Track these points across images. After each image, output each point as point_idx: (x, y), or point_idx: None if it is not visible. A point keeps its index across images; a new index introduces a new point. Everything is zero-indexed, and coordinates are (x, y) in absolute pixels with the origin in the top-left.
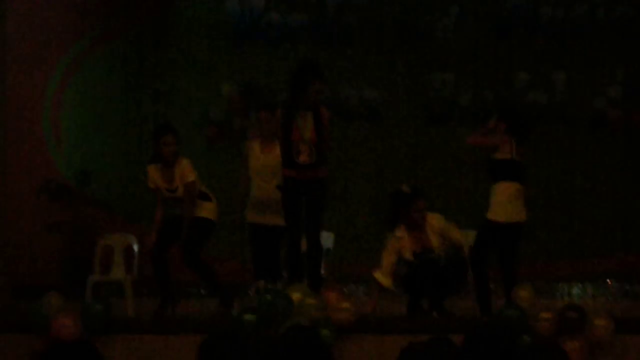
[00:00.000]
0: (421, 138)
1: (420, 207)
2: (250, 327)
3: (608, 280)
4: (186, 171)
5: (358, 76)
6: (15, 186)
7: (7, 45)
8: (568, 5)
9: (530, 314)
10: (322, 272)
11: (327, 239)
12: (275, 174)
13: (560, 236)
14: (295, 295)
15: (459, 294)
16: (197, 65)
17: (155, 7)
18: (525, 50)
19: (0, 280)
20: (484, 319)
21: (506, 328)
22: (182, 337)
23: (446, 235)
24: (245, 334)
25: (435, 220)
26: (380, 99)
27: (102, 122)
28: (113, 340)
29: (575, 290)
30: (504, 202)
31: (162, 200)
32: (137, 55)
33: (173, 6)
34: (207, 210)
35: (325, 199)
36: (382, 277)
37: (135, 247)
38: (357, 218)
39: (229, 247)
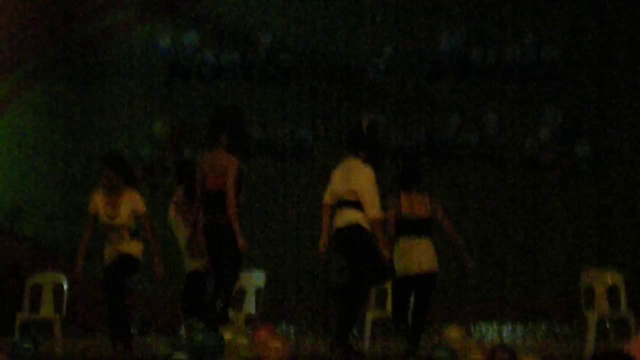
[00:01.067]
0: None
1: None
2: None
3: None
4: (138, 202)
5: (290, 115)
6: None
7: None
8: (499, 48)
9: (460, 354)
10: (253, 311)
11: (258, 278)
12: None
13: (490, 277)
14: (227, 335)
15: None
16: (130, 102)
17: (88, 43)
18: (457, 91)
19: None
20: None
21: None
22: None
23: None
24: None
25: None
26: (312, 138)
27: (32, 159)
28: None
29: (505, 331)
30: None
31: (94, 226)
32: (68, 93)
33: (107, 43)
34: (135, 247)
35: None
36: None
37: (65, 286)
38: (288, 257)
39: (160, 285)
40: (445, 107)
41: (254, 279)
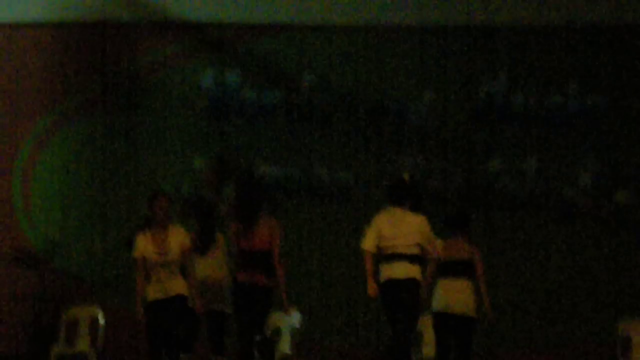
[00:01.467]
0: None
1: None
2: None
3: None
4: (186, 237)
5: (330, 156)
6: None
7: None
8: (541, 94)
9: None
10: (288, 351)
11: (294, 318)
12: None
13: (527, 325)
14: None
15: None
16: (171, 139)
17: (129, 81)
18: (498, 137)
19: None
20: None
21: None
22: None
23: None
24: None
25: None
26: (352, 179)
27: (71, 195)
28: None
29: None
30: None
31: (144, 268)
32: (110, 128)
33: (149, 79)
34: (185, 285)
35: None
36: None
37: (101, 319)
38: (326, 297)
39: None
40: (485, 152)
41: (290, 319)
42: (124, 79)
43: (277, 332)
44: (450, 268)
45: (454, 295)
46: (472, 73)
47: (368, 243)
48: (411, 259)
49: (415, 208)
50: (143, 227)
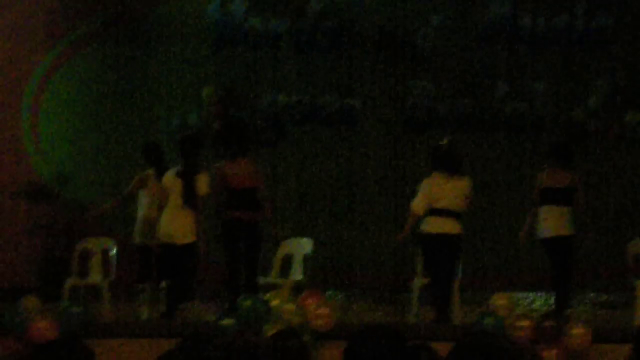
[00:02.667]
0: (399, 145)
1: None
2: (229, 332)
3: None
4: None
5: (338, 82)
6: None
7: None
8: (548, 15)
9: (507, 322)
10: (301, 277)
11: (305, 245)
12: None
13: (537, 246)
14: (274, 301)
15: None
16: (178, 69)
17: (134, 11)
18: (505, 60)
19: None
20: (469, 329)
21: (486, 337)
22: (161, 341)
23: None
24: (225, 338)
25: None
26: (360, 105)
27: (80, 127)
28: (91, 344)
29: (552, 300)
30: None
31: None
32: (116, 59)
33: (153, 11)
34: None
35: None
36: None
37: (113, 251)
38: (336, 224)
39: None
40: (493, 75)
41: (302, 246)
42: (130, 10)
43: (289, 258)
44: (553, 196)
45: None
46: None
47: (418, 206)
48: (457, 215)
49: (456, 171)
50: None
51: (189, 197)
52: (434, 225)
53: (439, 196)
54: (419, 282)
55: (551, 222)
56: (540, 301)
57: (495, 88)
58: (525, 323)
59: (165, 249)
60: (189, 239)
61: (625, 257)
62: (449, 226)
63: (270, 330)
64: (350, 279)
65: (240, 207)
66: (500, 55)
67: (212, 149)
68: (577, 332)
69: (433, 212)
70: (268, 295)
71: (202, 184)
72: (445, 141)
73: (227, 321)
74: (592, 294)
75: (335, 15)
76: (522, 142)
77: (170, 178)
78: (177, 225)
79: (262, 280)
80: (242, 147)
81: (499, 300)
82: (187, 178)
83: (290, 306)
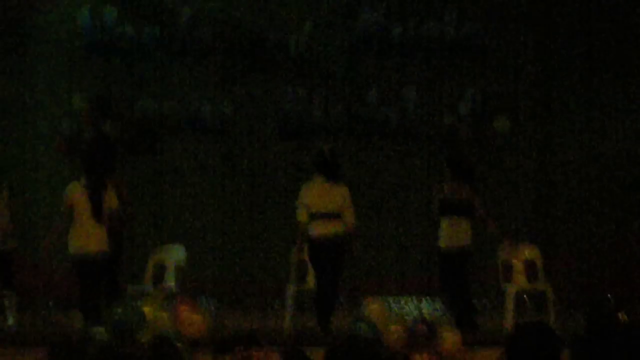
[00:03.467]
0: (271, 152)
1: None
2: (101, 341)
3: None
4: None
5: (211, 89)
6: None
7: None
8: (418, 23)
9: (381, 328)
10: (173, 285)
11: (178, 253)
12: None
13: (409, 251)
14: (147, 309)
15: None
16: (49, 77)
17: (7, 18)
18: (377, 67)
19: None
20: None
21: (359, 342)
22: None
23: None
24: (95, 347)
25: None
26: (232, 112)
27: None
28: None
29: (424, 304)
30: None
31: None
32: None
33: (25, 17)
34: None
35: None
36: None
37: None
38: (208, 232)
39: None
40: (365, 83)
41: (174, 254)
42: (3, 18)
43: (162, 267)
44: (451, 207)
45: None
46: (350, 2)
47: (301, 216)
48: (336, 217)
49: (334, 177)
50: None
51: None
52: (319, 228)
53: (318, 200)
54: (292, 288)
55: (448, 232)
56: (411, 306)
57: (366, 94)
58: (397, 328)
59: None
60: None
61: (495, 262)
62: (332, 227)
63: (142, 339)
64: (225, 287)
65: None
66: (371, 62)
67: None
68: (448, 336)
69: (314, 216)
70: (140, 302)
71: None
72: (325, 147)
73: (97, 329)
74: None
75: (207, 21)
76: (393, 147)
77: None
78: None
79: (132, 288)
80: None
81: (372, 305)
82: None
83: (163, 314)
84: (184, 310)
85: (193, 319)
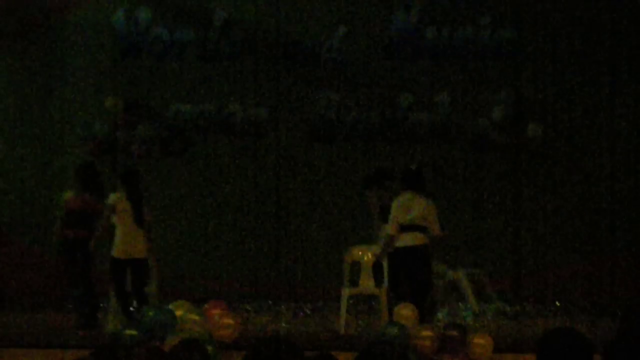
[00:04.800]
0: (304, 156)
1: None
2: (133, 342)
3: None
4: None
5: (244, 92)
6: None
7: None
8: (453, 27)
9: (412, 332)
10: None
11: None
12: None
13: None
14: (178, 311)
15: None
16: (83, 78)
17: (42, 19)
18: (410, 71)
19: None
20: (371, 337)
21: (390, 346)
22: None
23: None
24: (128, 348)
25: None
26: (266, 115)
27: None
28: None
29: (456, 309)
30: None
31: None
32: (22, 69)
33: (59, 19)
34: None
35: None
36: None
37: None
38: (240, 234)
39: None
40: (398, 87)
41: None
42: (36, 18)
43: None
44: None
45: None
46: (384, 7)
47: (392, 229)
48: (422, 229)
49: (423, 191)
50: None
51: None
52: (405, 240)
53: (406, 214)
54: (347, 291)
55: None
56: (444, 311)
57: (399, 99)
58: (428, 333)
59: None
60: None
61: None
62: (417, 239)
63: (173, 341)
64: (259, 288)
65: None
66: (404, 67)
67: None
68: (480, 341)
69: (403, 228)
70: (173, 305)
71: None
72: (413, 166)
73: (129, 331)
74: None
75: (240, 25)
76: (426, 152)
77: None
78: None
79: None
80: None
81: (404, 310)
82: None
83: (195, 316)
84: (216, 313)
85: (223, 322)
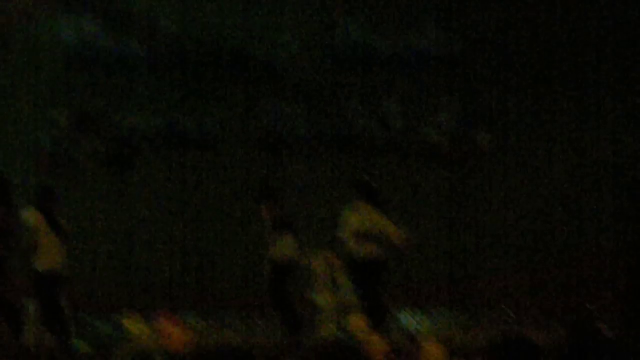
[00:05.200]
0: (254, 166)
1: None
2: (85, 356)
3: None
4: None
5: (194, 104)
6: None
7: None
8: (401, 38)
9: (361, 338)
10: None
11: None
12: None
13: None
14: (128, 324)
15: None
16: (31, 92)
17: None
18: (358, 80)
19: None
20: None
21: (338, 352)
22: None
23: None
24: None
25: None
26: (217, 127)
27: None
28: None
29: (407, 318)
30: None
31: None
32: None
33: (7, 32)
34: None
35: None
36: None
37: None
38: (184, 245)
39: None
40: (347, 97)
41: None
42: None
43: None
44: None
45: None
46: (333, 17)
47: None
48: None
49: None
50: None
51: None
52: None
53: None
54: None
55: None
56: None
57: (348, 108)
58: (378, 339)
59: None
60: None
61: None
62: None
63: (125, 352)
64: (208, 300)
65: None
66: (353, 76)
67: None
68: (431, 349)
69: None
70: (120, 316)
71: None
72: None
73: (82, 345)
74: (445, 312)
75: (190, 36)
76: (376, 161)
77: None
78: None
79: None
80: None
81: (355, 319)
82: None
83: (146, 330)
84: (167, 324)
85: (175, 334)
